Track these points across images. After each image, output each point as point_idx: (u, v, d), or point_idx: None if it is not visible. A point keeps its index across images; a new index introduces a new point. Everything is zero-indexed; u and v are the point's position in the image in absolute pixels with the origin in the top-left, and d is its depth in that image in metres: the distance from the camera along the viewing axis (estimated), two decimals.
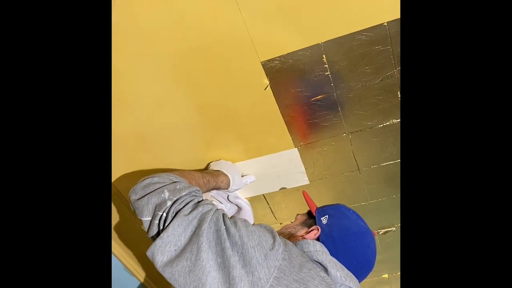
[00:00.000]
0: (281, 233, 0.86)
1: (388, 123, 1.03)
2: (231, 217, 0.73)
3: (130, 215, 1.33)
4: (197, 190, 0.79)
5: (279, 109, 1.03)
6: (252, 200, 1.26)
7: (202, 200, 0.77)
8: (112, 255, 1.40)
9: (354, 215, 0.89)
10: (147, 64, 0.97)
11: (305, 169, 1.16)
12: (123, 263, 1.45)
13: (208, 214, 0.70)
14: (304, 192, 0.99)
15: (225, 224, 0.69)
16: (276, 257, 0.66)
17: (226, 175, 1.05)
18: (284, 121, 1.05)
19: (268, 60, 0.94)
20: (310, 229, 0.84)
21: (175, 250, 0.66)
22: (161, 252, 0.66)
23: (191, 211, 0.70)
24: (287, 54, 0.93)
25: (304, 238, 0.81)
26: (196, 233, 0.67)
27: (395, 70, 0.94)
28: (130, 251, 1.46)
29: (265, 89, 0.98)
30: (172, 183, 0.78)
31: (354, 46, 0.91)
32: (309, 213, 0.93)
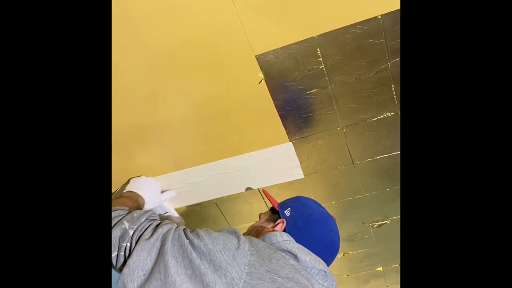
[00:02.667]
0: (248, 233, 0.89)
1: (382, 116, 1.04)
2: (192, 230, 0.75)
3: None
4: (153, 214, 0.82)
5: (274, 103, 1.03)
6: (247, 194, 1.26)
7: (161, 222, 0.78)
8: None
9: (314, 203, 0.93)
10: (139, 57, 0.96)
11: (300, 163, 1.16)
12: None
13: (169, 233, 0.71)
14: (264, 191, 1.03)
15: (188, 238, 0.70)
16: (243, 254, 0.68)
17: (142, 197, 1.08)
18: (279, 115, 1.05)
19: (262, 54, 0.94)
20: (276, 223, 0.87)
21: (144, 274, 0.68)
22: (131, 279, 0.67)
23: (152, 234, 0.72)
24: (282, 47, 0.92)
25: (273, 231, 0.84)
26: (160, 253, 0.69)
27: (389, 63, 0.94)
28: None
29: (259, 83, 0.98)
30: (128, 213, 0.80)
31: (348, 39, 0.91)
32: (272, 210, 0.96)
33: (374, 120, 1.05)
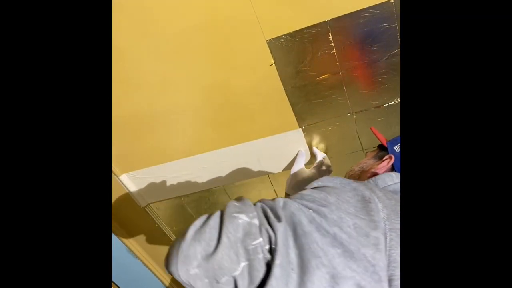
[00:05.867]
0: (352, 170, 0.86)
1: (393, 103, 1.03)
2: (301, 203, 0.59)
3: (128, 196, 1.33)
4: (257, 206, 0.59)
5: (284, 88, 1.02)
6: (256, 181, 1.26)
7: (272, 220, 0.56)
8: (114, 235, 1.41)
9: None
10: (150, 43, 0.96)
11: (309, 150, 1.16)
12: (125, 244, 1.46)
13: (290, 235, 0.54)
14: (372, 128, 0.94)
15: (315, 218, 0.56)
16: (378, 209, 0.59)
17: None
18: (289, 101, 1.05)
19: (273, 39, 0.93)
20: (383, 158, 0.80)
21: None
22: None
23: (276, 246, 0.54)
24: (293, 32, 0.92)
25: (376, 171, 0.77)
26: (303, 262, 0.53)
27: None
28: (133, 232, 1.47)
29: (270, 65, 0.97)
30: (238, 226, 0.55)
31: (360, 24, 0.90)
32: (380, 147, 0.91)
33: (385, 106, 1.04)
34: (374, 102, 1.03)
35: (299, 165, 1.10)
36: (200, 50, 0.97)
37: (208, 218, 0.56)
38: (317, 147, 1.14)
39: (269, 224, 0.54)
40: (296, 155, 1.16)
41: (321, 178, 0.66)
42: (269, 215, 0.56)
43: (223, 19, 0.91)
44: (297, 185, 1.05)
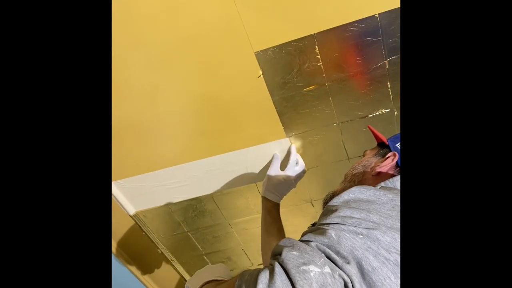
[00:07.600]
0: (353, 169, 0.84)
1: (378, 113, 1.06)
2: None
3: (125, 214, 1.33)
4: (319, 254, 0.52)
5: (272, 99, 1.04)
6: (244, 189, 1.27)
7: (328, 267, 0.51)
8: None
9: None
10: (140, 53, 0.97)
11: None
12: (112, 252, 1.45)
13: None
14: (369, 126, 0.94)
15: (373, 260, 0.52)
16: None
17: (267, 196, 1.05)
18: (277, 111, 1.06)
19: (261, 51, 0.95)
20: (386, 156, 0.78)
21: None
22: None
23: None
24: (281, 44, 0.94)
25: (381, 169, 0.76)
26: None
27: (385, 61, 0.96)
28: (120, 240, 1.47)
29: (258, 77, 0.99)
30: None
31: (346, 37, 0.92)
32: (380, 145, 0.88)
33: (370, 117, 1.07)
34: (359, 113, 1.06)
35: (275, 167, 1.11)
36: (190, 60, 0.98)
37: (271, 278, 0.49)
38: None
39: (339, 267, 0.50)
40: (272, 158, 1.16)
41: (351, 189, 0.62)
42: (333, 257, 0.51)
43: (212, 30, 0.92)
44: (273, 187, 1.07)
